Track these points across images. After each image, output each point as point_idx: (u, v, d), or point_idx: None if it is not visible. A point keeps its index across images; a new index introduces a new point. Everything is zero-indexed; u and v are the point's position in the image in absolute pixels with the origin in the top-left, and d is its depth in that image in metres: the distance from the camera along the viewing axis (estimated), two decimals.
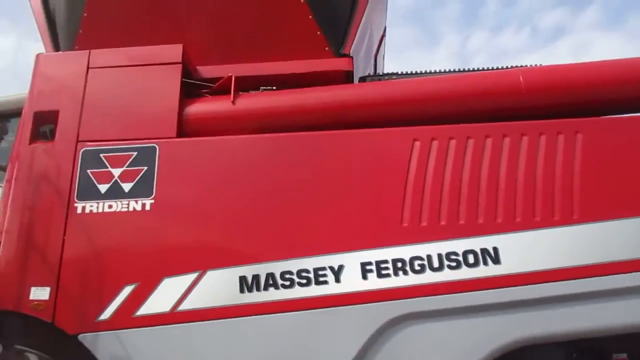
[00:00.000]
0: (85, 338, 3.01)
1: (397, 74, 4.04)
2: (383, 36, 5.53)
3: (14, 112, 4.29)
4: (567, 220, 3.00)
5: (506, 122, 3.27)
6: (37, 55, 3.72)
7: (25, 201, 3.29)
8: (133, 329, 3.00)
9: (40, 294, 3.08)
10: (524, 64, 3.82)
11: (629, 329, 2.88)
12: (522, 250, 2.96)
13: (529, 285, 2.88)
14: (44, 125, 3.50)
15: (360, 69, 4.37)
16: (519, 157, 3.15)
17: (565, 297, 2.86)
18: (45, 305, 3.06)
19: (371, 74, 4.94)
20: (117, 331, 3.00)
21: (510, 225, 3.01)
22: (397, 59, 30.45)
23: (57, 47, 4.11)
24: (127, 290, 3.03)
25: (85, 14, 3.90)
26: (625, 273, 2.87)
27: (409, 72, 4.00)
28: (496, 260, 2.94)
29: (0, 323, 3.16)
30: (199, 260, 3.06)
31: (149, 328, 3.00)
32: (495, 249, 2.96)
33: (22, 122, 3.56)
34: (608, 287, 2.87)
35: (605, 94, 3.40)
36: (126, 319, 3.01)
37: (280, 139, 3.34)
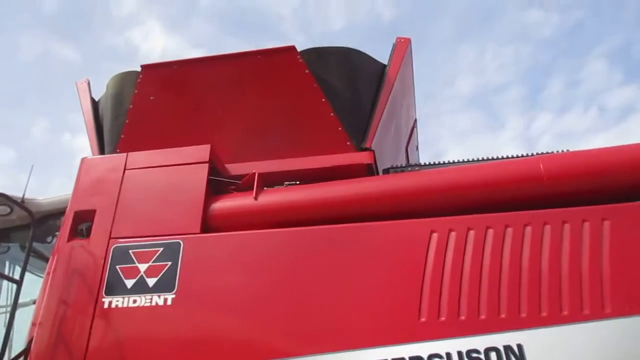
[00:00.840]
0: None
1: (420, 165, 4.08)
2: (414, 127, 5.64)
3: None
4: (599, 314, 2.79)
5: (528, 210, 3.19)
6: (82, 159, 4.06)
7: (59, 296, 3.45)
8: None
9: None
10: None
11: None
12: (550, 347, 2.75)
13: None
14: (82, 223, 3.74)
15: (388, 161, 4.45)
16: (542, 247, 3.01)
17: None
18: None
19: (402, 165, 5.00)
20: None
21: (535, 320, 2.82)
22: (461, 144, 30.41)
23: (102, 151, 4.46)
24: None
25: (127, 121, 4.26)
26: None
27: (431, 163, 4.03)
28: (521, 358, 2.74)
29: None
30: (215, 357, 3.04)
31: None
32: (519, 347, 2.77)
33: (64, 220, 3.83)
34: None
35: (634, 178, 3.26)
36: None
37: (298, 233, 3.38)
